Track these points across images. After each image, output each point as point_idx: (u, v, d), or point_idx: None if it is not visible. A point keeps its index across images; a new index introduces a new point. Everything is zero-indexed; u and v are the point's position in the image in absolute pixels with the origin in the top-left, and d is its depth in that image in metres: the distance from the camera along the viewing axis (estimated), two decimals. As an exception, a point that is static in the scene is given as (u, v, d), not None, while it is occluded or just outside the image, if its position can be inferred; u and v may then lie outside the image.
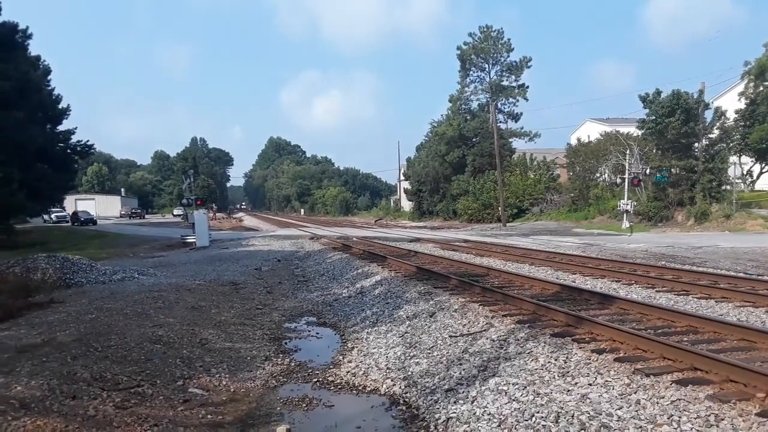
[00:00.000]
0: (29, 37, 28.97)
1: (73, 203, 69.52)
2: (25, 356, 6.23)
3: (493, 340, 6.75)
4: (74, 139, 33.24)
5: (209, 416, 5.26)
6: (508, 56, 52.75)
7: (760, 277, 11.10)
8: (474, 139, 51.07)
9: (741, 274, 11.68)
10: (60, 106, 32.21)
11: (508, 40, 52.35)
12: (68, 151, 32.94)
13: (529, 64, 52.78)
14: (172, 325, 8.41)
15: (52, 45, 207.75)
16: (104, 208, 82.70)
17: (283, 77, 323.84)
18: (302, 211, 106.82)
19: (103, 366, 6.10)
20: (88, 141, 34.10)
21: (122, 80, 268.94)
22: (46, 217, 48.59)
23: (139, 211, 79.25)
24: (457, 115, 53.57)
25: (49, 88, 32.03)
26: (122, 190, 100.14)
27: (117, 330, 7.67)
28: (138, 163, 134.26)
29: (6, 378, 5.41)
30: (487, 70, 53.98)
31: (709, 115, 31.45)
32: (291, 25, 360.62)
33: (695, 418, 4.20)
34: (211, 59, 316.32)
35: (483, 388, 5.45)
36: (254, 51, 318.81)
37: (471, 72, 54.04)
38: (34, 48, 30.98)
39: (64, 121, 32.93)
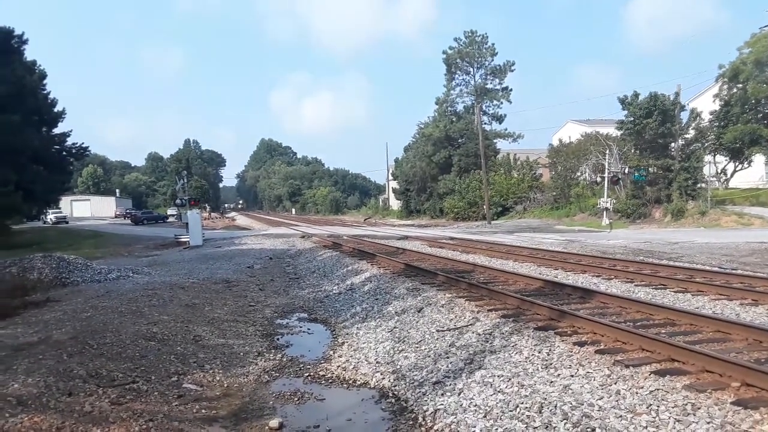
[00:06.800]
0: (25, 42, 29.30)
1: (68, 205, 68.95)
2: (21, 354, 6.26)
3: (479, 334, 6.91)
4: (69, 141, 33.44)
5: (203, 411, 5.33)
6: (492, 60, 53.69)
7: (733, 272, 11.35)
8: (460, 140, 51.97)
9: (716, 269, 11.95)
10: (55, 110, 32.32)
11: (492, 44, 53.44)
12: (63, 153, 33.15)
13: (512, 67, 53.78)
14: (167, 322, 8.45)
15: (46, 48, 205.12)
16: (99, 209, 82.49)
17: (273, 79, 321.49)
18: (293, 210, 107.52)
19: (98, 363, 6.15)
20: (83, 143, 34.35)
21: (116, 83, 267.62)
22: (47, 218, 48.49)
23: (132, 211, 78.69)
24: (443, 117, 54.44)
25: (45, 92, 32.08)
26: (117, 191, 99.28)
27: (112, 328, 7.70)
28: (132, 165, 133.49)
29: (3, 375, 5.45)
30: (472, 73, 54.80)
31: (685, 116, 32.25)
32: (281, 27, 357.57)
33: (673, 407, 4.32)
34: (203, 62, 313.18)
35: (469, 380, 5.58)
36: (245, 53, 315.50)
37: (456, 75, 54.99)
38: (29, 53, 31.09)
39: (60, 124, 33.14)
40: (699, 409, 4.26)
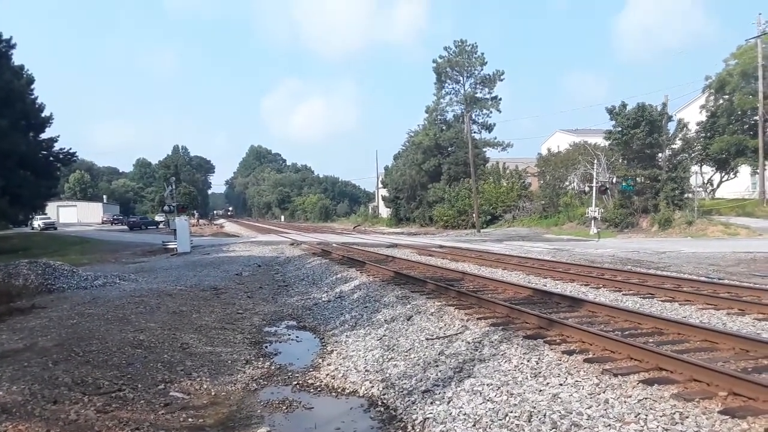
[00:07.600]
0: (13, 47, 29.23)
1: (55, 210, 68.57)
2: (6, 361, 6.18)
3: (469, 343, 6.90)
4: (57, 146, 33.33)
5: (190, 420, 5.26)
6: (482, 69, 54.41)
7: (720, 281, 11.45)
8: (449, 149, 52.47)
9: (703, 278, 12.05)
10: (43, 115, 32.23)
11: (482, 54, 54.22)
12: (51, 158, 33.07)
13: (501, 77, 54.47)
14: (153, 329, 8.36)
15: (35, 52, 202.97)
16: (86, 215, 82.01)
17: (263, 85, 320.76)
18: (282, 217, 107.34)
19: (84, 370, 6.07)
20: (70, 149, 34.38)
21: (104, 88, 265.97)
22: (34, 224, 48.08)
23: (120, 217, 78.24)
24: (433, 125, 54.99)
25: (32, 96, 31.96)
26: (104, 197, 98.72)
27: (98, 335, 7.62)
28: (120, 171, 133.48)
29: (-13, 383, 5.37)
30: (461, 82, 55.43)
31: (672, 126, 32.75)
32: (272, 32, 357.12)
33: (661, 416, 4.32)
34: (193, 67, 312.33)
35: (459, 389, 5.56)
36: (235, 59, 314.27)
37: (446, 84, 55.67)
38: (17, 57, 31.06)
39: (47, 129, 33.01)
40: (687, 418, 4.28)
